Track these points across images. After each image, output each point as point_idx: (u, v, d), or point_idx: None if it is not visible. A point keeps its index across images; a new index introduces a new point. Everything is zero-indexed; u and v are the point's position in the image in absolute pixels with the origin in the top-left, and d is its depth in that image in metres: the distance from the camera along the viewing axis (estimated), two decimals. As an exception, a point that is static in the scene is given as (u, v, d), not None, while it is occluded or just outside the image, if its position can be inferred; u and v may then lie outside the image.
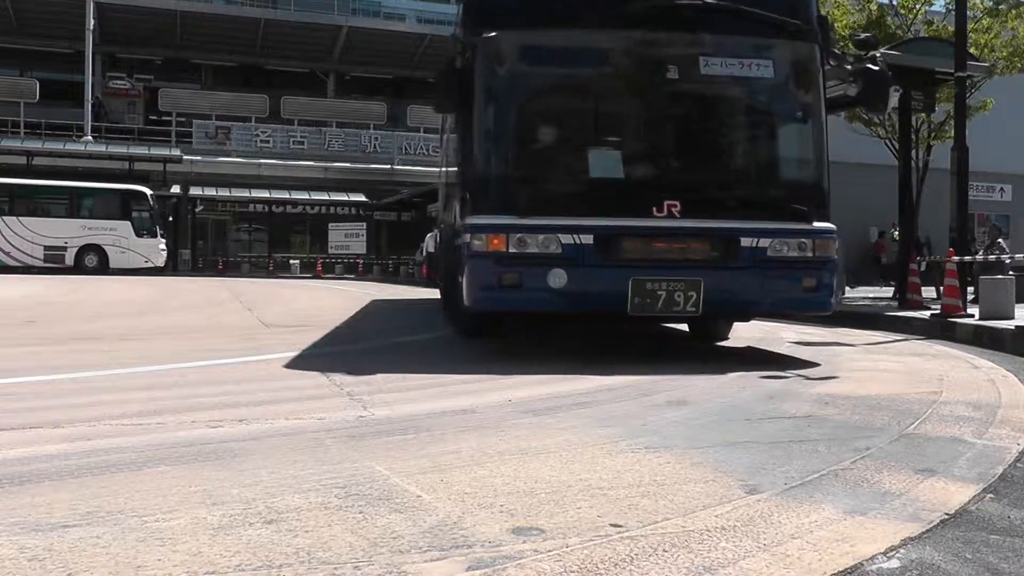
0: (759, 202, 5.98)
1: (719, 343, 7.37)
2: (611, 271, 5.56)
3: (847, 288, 13.17)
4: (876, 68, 6.07)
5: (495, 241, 5.54)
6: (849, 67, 6.26)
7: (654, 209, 5.59)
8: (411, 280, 24.62)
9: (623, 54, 6.16)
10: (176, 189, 29.74)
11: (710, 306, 5.62)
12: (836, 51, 6.66)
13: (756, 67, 6.04)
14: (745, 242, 5.67)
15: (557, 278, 5.46)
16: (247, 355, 6.25)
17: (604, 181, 5.92)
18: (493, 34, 5.74)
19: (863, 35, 6.13)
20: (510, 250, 5.51)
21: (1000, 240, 14.36)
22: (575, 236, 5.52)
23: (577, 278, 5.49)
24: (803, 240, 5.74)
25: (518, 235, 5.50)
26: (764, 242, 5.67)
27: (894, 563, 2.00)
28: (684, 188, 5.80)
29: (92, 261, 24.72)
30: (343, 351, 6.56)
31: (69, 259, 24.60)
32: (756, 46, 6.07)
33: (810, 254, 5.73)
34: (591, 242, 5.53)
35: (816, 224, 5.78)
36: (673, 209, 5.60)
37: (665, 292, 5.51)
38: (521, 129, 6.09)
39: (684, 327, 8.22)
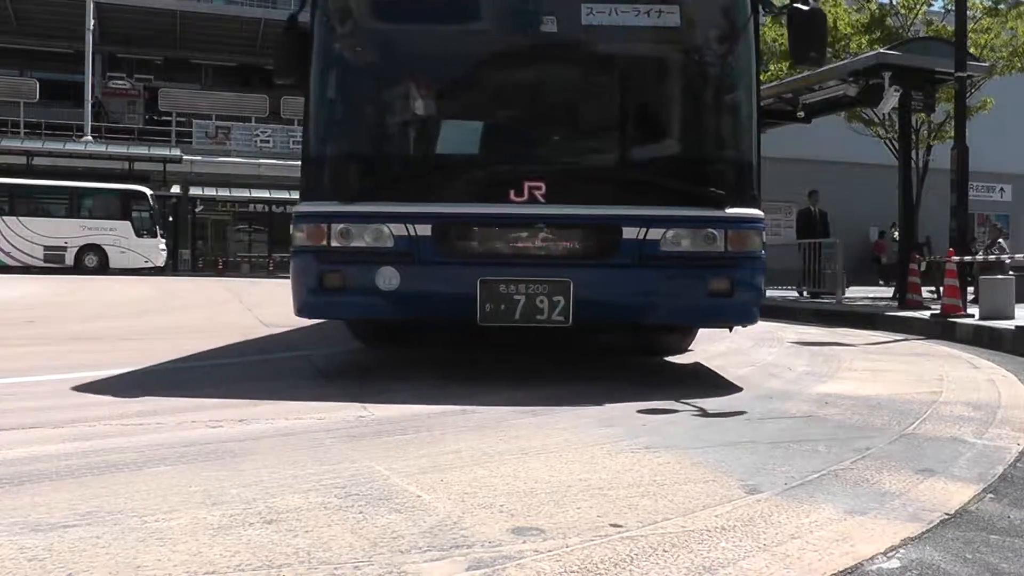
0: (652, 182, 4.69)
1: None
2: (455, 270, 4.50)
3: (847, 288, 13.16)
4: (806, 8, 4.79)
5: (316, 233, 4.54)
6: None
7: (511, 192, 4.46)
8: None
9: (485, 2, 5.02)
10: (176, 189, 29.74)
11: (584, 315, 4.46)
12: None
13: (657, 14, 4.81)
14: (629, 233, 4.46)
15: (387, 278, 4.44)
16: (248, 355, 6.25)
17: (452, 159, 4.88)
18: None
19: None
20: (332, 244, 4.50)
21: (1000, 240, 14.37)
22: (409, 226, 4.46)
23: (412, 278, 4.47)
24: (711, 230, 4.49)
25: (341, 225, 4.49)
26: (655, 233, 4.46)
27: (894, 563, 2.00)
28: (551, 165, 4.70)
29: (92, 261, 24.70)
30: (335, 352, 6.53)
31: (69, 259, 24.58)
32: None
33: (720, 248, 4.49)
34: (429, 233, 4.47)
35: (732, 211, 4.55)
36: (536, 192, 4.46)
37: (524, 297, 4.40)
38: (358, 97, 4.98)
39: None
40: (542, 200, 4.47)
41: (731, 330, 5.81)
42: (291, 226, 4.85)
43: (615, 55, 5.06)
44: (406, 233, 4.47)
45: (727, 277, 4.53)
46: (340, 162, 4.83)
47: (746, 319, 4.77)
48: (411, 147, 5.11)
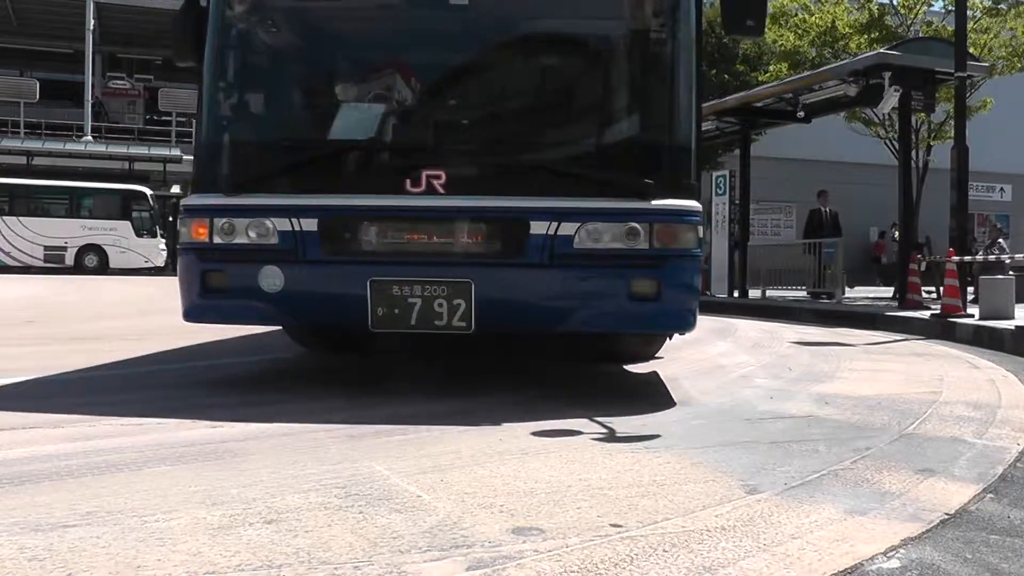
0: (567, 171, 4.16)
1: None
2: (343, 269, 4.07)
3: (847, 288, 13.16)
4: None
5: (199, 229, 4.14)
6: None
7: (408, 182, 4.00)
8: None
9: None
10: (176, 189, 29.70)
11: (488, 320, 4.00)
12: None
13: None
14: (538, 227, 3.97)
15: (271, 279, 4.02)
16: (248, 355, 6.25)
17: (345, 146, 4.39)
18: None
19: None
20: (215, 240, 4.09)
21: (1000, 240, 14.38)
22: (293, 220, 4.03)
23: (297, 279, 4.06)
24: (633, 224, 3.96)
25: (223, 220, 4.08)
26: (568, 227, 3.96)
27: (894, 563, 2.00)
28: (453, 152, 4.22)
29: (92, 261, 24.70)
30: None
31: (69, 259, 24.57)
32: None
33: (645, 245, 3.96)
34: (315, 229, 4.04)
35: (660, 202, 4.01)
36: (435, 182, 3.99)
37: (421, 300, 3.96)
38: (247, 80, 4.57)
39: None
40: (441, 191, 3.99)
41: (670, 337, 5.38)
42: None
43: (526, 30, 4.58)
44: (290, 228, 4.04)
45: (653, 278, 4.01)
46: (226, 150, 4.39)
47: (679, 325, 4.29)
48: (301, 133, 4.60)
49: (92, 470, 2.66)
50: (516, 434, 3.30)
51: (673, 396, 4.38)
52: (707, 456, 3.00)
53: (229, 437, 3.19)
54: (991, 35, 14.64)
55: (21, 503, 2.28)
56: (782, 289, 14.32)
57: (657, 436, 3.31)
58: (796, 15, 16.36)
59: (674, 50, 4.25)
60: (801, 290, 14.05)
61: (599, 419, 3.58)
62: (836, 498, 2.50)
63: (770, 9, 17.24)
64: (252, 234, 4.06)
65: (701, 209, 4.22)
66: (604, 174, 4.13)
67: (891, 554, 2.06)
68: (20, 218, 24.36)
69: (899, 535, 2.18)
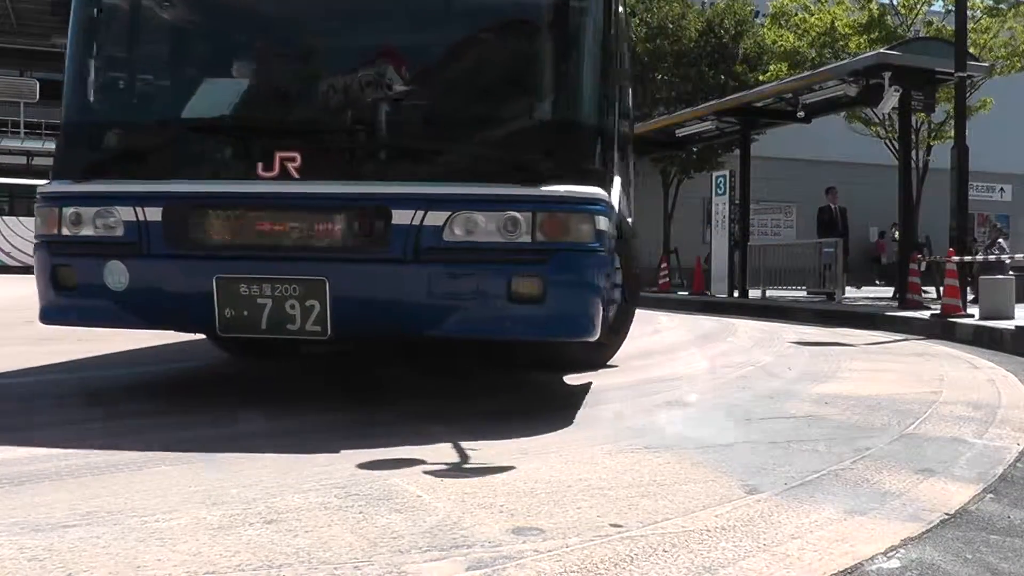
0: (438, 151, 3.67)
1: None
2: (188, 265, 3.61)
3: (847, 288, 13.17)
4: None
5: (50, 219, 3.75)
6: None
7: (261, 166, 3.54)
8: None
9: None
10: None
11: (346, 324, 3.54)
12: None
13: None
14: (401, 217, 3.45)
15: (116, 276, 3.59)
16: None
17: (196, 126, 3.93)
18: None
19: None
20: (63, 232, 3.70)
21: (1000, 240, 14.38)
22: (138, 209, 3.58)
23: (142, 276, 3.62)
24: (513, 214, 3.41)
25: (71, 209, 3.67)
26: (436, 217, 3.43)
27: (894, 563, 2.01)
28: (310, 133, 3.75)
29: (92, 261, 24.71)
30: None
31: (69, 259, 24.58)
32: None
33: (527, 238, 3.41)
34: (159, 218, 3.58)
35: (550, 188, 3.46)
36: (290, 165, 3.52)
37: (271, 300, 3.47)
38: (100, 59, 4.11)
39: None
40: (296, 176, 3.52)
41: (606, 355, 4.80)
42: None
43: None
44: (135, 218, 3.59)
45: (536, 276, 3.44)
46: (79, 133, 3.98)
47: (571, 332, 3.67)
48: (152, 114, 4.12)
49: (92, 470, 2.66)
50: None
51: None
52: (707, 456, 3.00)
53: (229, 437, 3.18)
54: (991, 35, 14.64)
55: (21, 503, 2.28)
56: (782, 289, 14.32)
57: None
58: (796, 15, 16.37)
59: (569, 15, 3.70)
60: (801, 290, 14.05)
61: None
62: (836, 498, 2.50)
63: (770, 9, 17.28)
64: (99, 224, 3.64)
65: (607, 197, 3.64)
66: (483, 156, 3.61)
67: (891, 554, 2.06)
68: (20, 218, 24.38)
69: (899, 535, 2.18)
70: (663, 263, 17.16)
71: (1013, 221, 25.78)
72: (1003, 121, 20.15)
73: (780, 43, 16.76)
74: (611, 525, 2.17)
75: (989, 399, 4.49)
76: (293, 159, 3.52)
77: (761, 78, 17.10)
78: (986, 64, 13.04)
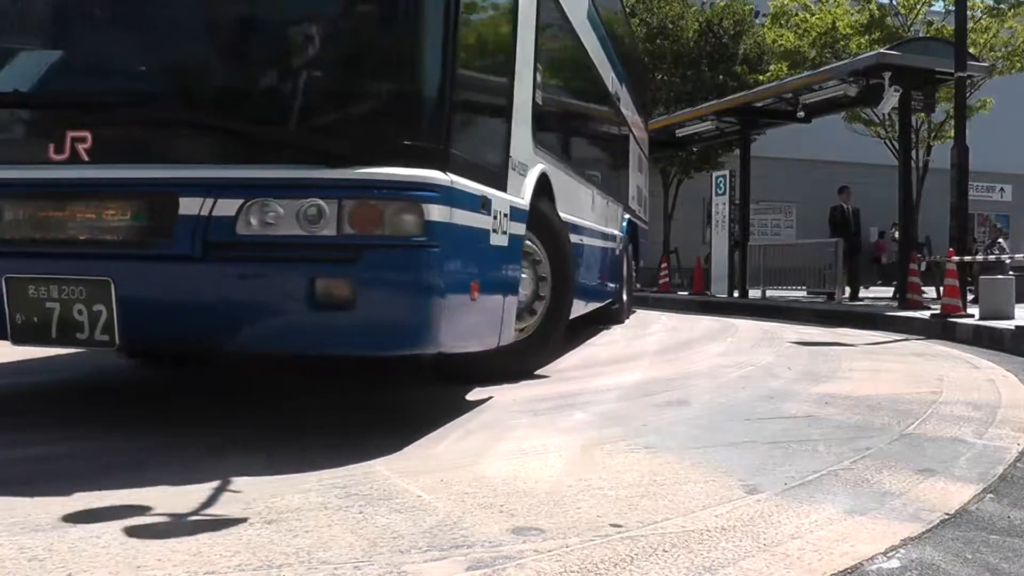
0: (234, 128, 3.07)
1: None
2: None
3: (847, 289, 13.16)
4: None
5: None
6: None
7: (52, 148, 3.08)
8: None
9: None
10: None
11: (135, 332, 3.05)
12: None
13: None
14: (188, 206, 2.97)
15: None
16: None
17: None
18: None
19: None
20: None
21: (1001, 240, 14.39)
22: None
23: None
24: (317, 201, 2.90)
25: None
26: (227, 205, 2.95)
27: (894, 563, 2.01)
28: (102, 109, 3.19)
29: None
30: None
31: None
32: None
33: (331, 231, 2.90)
34: None
35: (364, 170, 2.94)
36: (80, 146, 3.05)
37: (59, 304, 3.01)
38: None
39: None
40: (86, 158, 3.05)
41: (539, 362, 4.29)
42: None
43: None
44: None
45: (343, 277, 2.90)
46: None
47: (398, 343, 3.11)
48: None
49: (92, 470, 2.66)
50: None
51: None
52: (707, 456, 3.00)
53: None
54: (991, 35, 14.65)
55: (21, 503, 2.28)
56: (782, 289, 14.33)
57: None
58: (796, 15, 16.38)
59: None
60: (801, 290, 14.05)
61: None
62: (836, 498, 2.50)
63: (770, 9, 17.28)
64: None
65: (439, 182, 3.04)
66: (288, 133, 3.08)
67: (891, 554, 2.06)
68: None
69: (899, 535, 2.18)
70: (663, 263, 17.18)
71: (1013, 221, 25.80)
72: (1003, 121, 20.17)
73: (780, 43, 16.77)
74: (611, 525, 2.17)
75: (989, 399, 4.49)
76: (83, 139, 3.06)
77: (761, 78, 17.11)
78: (986, 64, 13.05)
